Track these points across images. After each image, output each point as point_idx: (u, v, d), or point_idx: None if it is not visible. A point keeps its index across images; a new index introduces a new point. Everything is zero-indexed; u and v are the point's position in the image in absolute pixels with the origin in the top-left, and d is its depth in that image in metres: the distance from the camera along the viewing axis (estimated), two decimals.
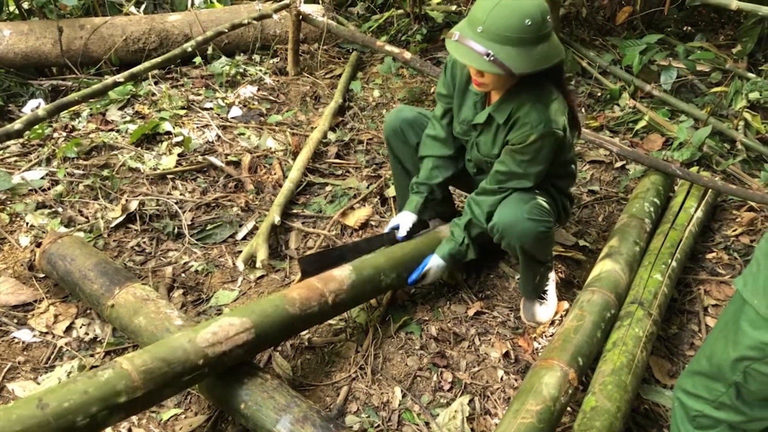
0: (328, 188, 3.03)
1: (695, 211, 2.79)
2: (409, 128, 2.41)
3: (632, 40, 4.12)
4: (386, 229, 2.41)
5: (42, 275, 2.38)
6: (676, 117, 3.70)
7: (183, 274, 2.50)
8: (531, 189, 2.10)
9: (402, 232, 2.35)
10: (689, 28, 4.76)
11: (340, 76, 3.99)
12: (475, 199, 2.21)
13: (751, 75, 3.88)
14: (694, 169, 3.23)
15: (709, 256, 2.78)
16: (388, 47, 3.66)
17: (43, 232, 2.53)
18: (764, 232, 1.53)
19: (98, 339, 2.19)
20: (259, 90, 3.74)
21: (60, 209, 2.69)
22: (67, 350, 2.14)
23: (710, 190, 2.93)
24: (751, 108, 3.65)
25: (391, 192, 2.97)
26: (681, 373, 1.65)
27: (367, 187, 3.02)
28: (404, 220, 2.36)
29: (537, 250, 2.14)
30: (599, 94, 3.95)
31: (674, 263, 2.46)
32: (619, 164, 3.34)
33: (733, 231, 2.91)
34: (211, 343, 1.74)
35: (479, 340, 2.31)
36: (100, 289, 2.11)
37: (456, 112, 2.24)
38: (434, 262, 2.28)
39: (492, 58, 1.79)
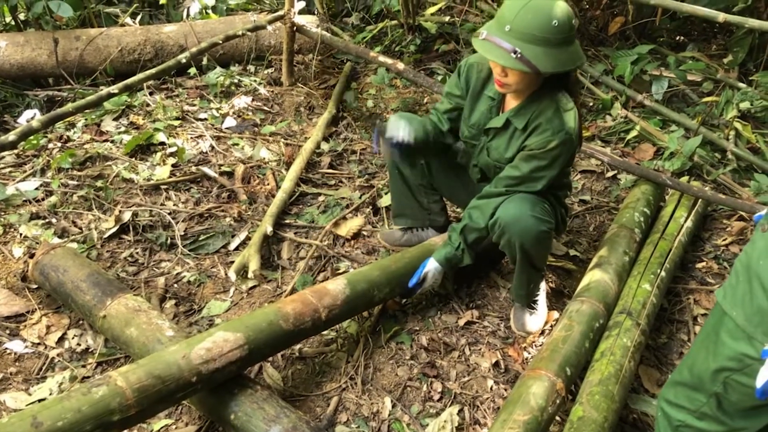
0: (321, 198, 3.05)
1: (685, 221, 2.81)
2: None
3: (624, 50, 4.15)
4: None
5: (35, 286, 2.39)
6: (667, 127, 3.72)
7: (175, 285, 2.51)
8: (536, 193, 2.12)
9: (403, 135, 2.16)
10: (682, 37, 4.79)
11: (334, 86, 4.02)
12: (476, 203, 2.22)
13: (741, 85, 3.91)
14: (685, 178, 3.26)
15: (699, 265, 2.80)
16: (382, 58, 3.69)
17: (37, 243, 2.54)
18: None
19: (90, 350, 2.20)
20: (253, 100, 3.76)
21: (54, 220, 2.71)
22: (59, 361, 2.15)
23: (700, 200, 2.96)
24: (742, 117, 3.67)
25: (383, 202, 2.99)
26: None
27: (360, 197, 3.03)
28: (407, 127, 2.19)
29: (536, 251, 2.15)
30: (591, 103, 3.98)
31: (663, 273, 2.48)
32: (610, 174, 3.36)
33: (723, 240, 2.93)
34: (205, 360, 1.76)
35: (469, 349, 2.32)
36: (92, 300, 2.13)
37: (466, 116, 2.26)
38: (431, 266, 2.29)
39: (519, 56, 1.84)
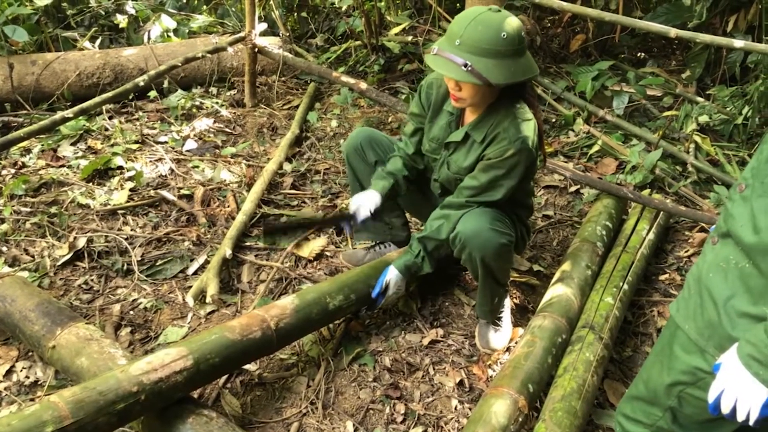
0: (283, 219, 3.00)
1: (647, 234, 2.82)
2: (368, 146, 2.44)
3: (585, 66, 4.21)
4: (351, 210, 2.31)
5: None
6: (629, 141, 3.76)
7: (131, 312, 2.44)
8: (496, 206, 2.11)
9: (364, 212, 2.25)
10: (642, 54, 4.88)
11: (297, 107, 3.99)
12: (439, 213, 2.21)
13: (699, 99, 3.98)
14: (647, 191, 3.28)
15: (662, 277, 2.81)
16: (344, 78, 3.69)
17: None
18: None
19: (39, 382, 2.12)
20: (215, 122, 3.72)
21: (4, 248, 2.62)
22: (6, 395, 2.06)
23: (662, 212, 2.98)
24: (701, 131, 3.73)
25: None
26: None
27: (323, 218, 2.99)
28: (368, 198, 2.28)
29: (497, 265, 2.14)
30: (554, 120, 4.01)
31: (626, 286, 2.47)
32: (573, 188, 3.37)
33: (686, 252, 2.95)
34: (145, 371, 1.72)
35: (433, 369, 2.28)
36: (41, 330, 2.05)
37: (427, 131, 2.27)
38: (391, 274, 2.26)
39: (470, 68, 1.85)
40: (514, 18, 1.90)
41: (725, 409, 1.16)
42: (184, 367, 1.77)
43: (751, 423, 1.14)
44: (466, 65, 1.85)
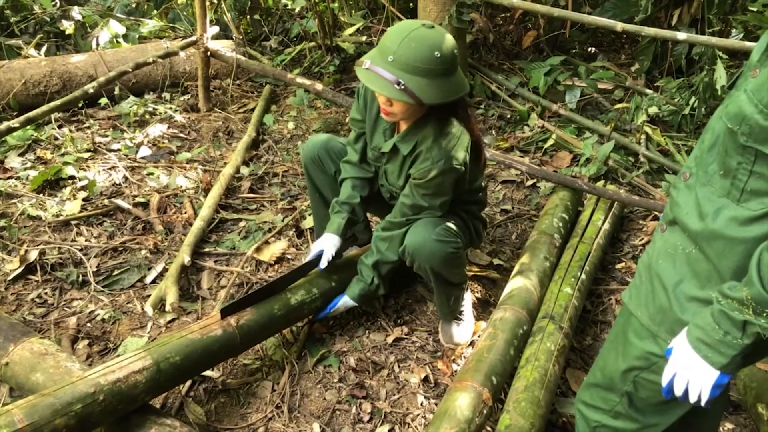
0: (242, 224, 2.97)
1: (603, 224, 2.88)
2: (327, 156, 2.39)
3: (537, 62, 4.28)
4: (308, 257, 2.32)
5: None
6: (582, 134, 3.83)
7: (88, 324, 2.38)
8: (440, 216, 2.12)
9: (325, 261, 2.24)
10: (592, 48, 4.98)
11: (253, 110, 3.96)
12: (381, 235, 2.21)
13: (648, 91, 4.08)
14: (601, 183, 3.35)
15: (619, 266, 2.88)
16: (299, 79, 3.67)
17: None
18: None
19: None
20: (169, 128, 3.66)
21: None
22: None
23: (616, 203, 3.05)
24: (651, 122, 3.83)
25: (307, 224, 2.94)
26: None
27: (283, 220, 2.98)
28: (328, 243, 2.26)
29: (448, 271, 2.15)
30: (509, 115, 4.06)
31: (583, 276, 2.52)
32: (530, 182, 3.43)
33: (640, 240, 3.03)
34: (102, 373, 1.71)
35: (398, 366, 2.29)
36: None
37: (369, 138, 2.24)
38: (344, 304, 2.28)
39: (402, 87, 1.81)
40: (448, 35, 1.88)
41: (678, 392, 1.20)
42: (143, 367, 1.77)
43: (702, 403, 1.18)
44: (398, 83, 1.80)
